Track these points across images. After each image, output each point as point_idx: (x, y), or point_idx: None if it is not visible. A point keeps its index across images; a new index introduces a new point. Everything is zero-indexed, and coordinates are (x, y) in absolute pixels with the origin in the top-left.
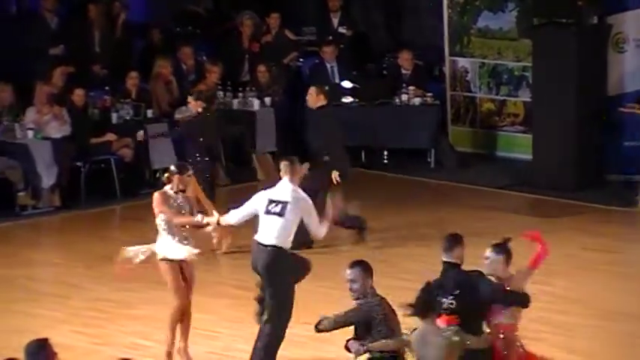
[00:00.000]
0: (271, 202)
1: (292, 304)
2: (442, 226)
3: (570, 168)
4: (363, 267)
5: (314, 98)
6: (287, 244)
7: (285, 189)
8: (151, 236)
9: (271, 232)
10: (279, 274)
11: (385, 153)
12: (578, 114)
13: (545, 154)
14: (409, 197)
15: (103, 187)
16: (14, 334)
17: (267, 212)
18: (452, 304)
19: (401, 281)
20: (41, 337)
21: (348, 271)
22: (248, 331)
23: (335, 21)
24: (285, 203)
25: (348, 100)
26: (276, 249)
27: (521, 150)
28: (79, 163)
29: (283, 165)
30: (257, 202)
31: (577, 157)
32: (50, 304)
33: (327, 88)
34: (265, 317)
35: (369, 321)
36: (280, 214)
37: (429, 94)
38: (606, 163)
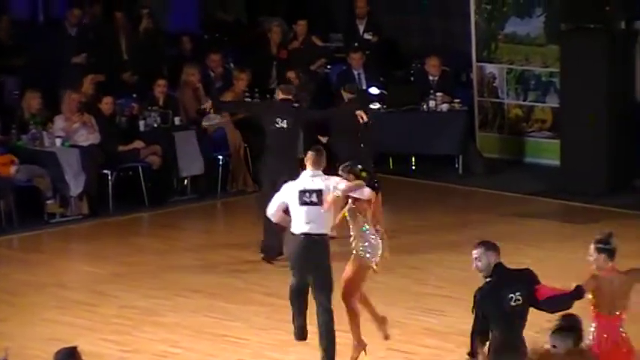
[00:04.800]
0: (304, 192)
1: None
2: (471, 233)
3: (599, 174)
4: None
5: None
6: (330, 230)
7: (313, 178)
8: (178, 244)
9: (315, 221)
10: (328, 261)
11: (413, 159)
12: (607, 119)
13: (574, 160)
14: (437, 204)
15: (131, 195)
16: (44, 342)
17: (304, 203)
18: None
19: (432, 288)
20: (70, 346)
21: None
22: (277, 338)
23: (361, 27)
24: (319, 191)
25: (375, 106)
26: (325, 236)
27: (549, 156)
28: (106, 171)
29: (310, 154)
30: (286, 196)
31: (606, 163)
32: (79, 312)
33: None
34: (321, 306)
35: None
36: (318, 203)
37: (457, 100)
38: (636, 168)
